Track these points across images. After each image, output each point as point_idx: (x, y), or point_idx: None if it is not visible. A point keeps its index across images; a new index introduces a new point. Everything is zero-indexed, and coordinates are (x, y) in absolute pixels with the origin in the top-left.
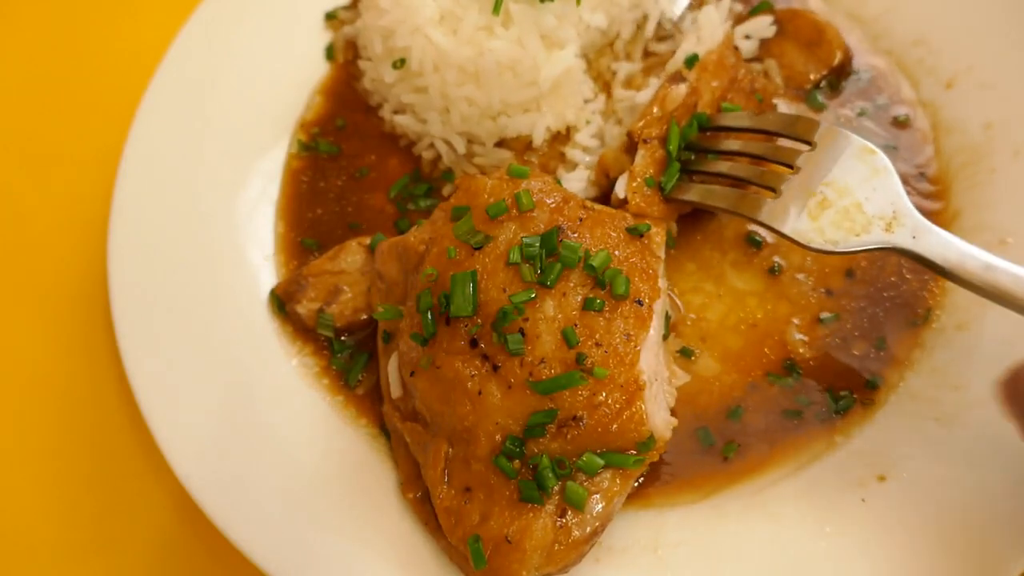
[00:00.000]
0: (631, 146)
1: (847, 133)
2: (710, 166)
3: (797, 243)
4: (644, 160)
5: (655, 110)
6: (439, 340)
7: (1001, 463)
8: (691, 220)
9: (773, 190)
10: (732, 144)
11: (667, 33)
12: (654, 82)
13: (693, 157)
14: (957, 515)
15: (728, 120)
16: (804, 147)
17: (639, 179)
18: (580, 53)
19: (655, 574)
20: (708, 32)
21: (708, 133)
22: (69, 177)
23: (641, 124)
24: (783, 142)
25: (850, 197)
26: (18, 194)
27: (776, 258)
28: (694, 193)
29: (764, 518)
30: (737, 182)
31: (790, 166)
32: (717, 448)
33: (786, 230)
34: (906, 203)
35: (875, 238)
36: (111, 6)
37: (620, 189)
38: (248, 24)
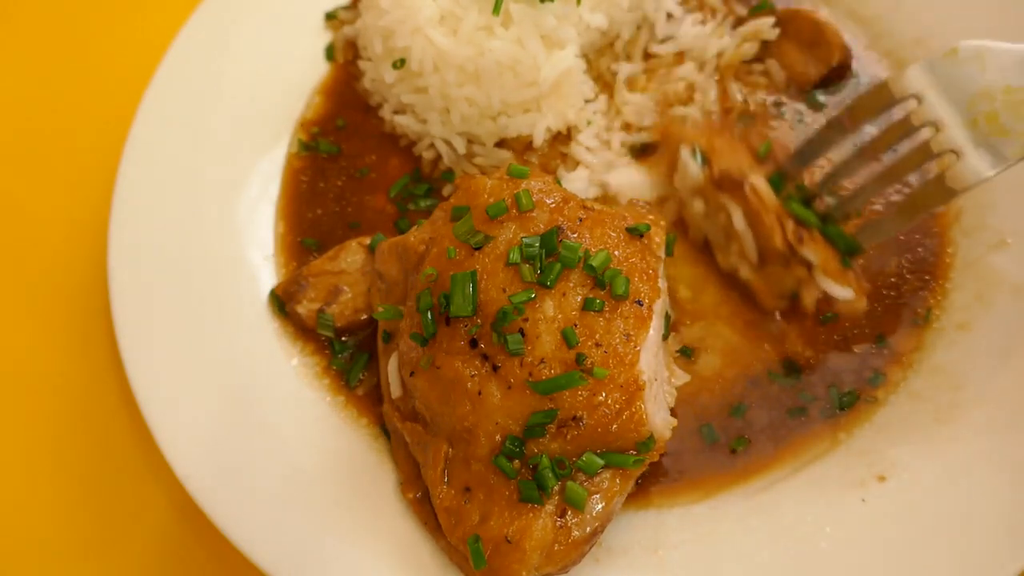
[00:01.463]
0: (767, 260)
1: (928, 61)
2: (850, 202)
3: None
4: (819, 255)
5: (768, 209)
6: (439, 340)
7: (1001, 463)
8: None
9: (956, 154)
10: (849, 157)
11: (668, 35)
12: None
13: (801, 206)
14: (957, 515)
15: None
16: (912, 103)
17: (836, 270)
18: (580, 53)
19: (655, 574)
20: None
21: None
22: (69, 177)
23: (779, 237)
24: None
25: (999, 94)
26: (18, 194)
27: None
28: (878, 229)
29: (764, 518)
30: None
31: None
32: (722, 444)
33: (999, 168)
34: None
35: None
36: (111, 6)
37: (838, 293)
38: (248, 24)
